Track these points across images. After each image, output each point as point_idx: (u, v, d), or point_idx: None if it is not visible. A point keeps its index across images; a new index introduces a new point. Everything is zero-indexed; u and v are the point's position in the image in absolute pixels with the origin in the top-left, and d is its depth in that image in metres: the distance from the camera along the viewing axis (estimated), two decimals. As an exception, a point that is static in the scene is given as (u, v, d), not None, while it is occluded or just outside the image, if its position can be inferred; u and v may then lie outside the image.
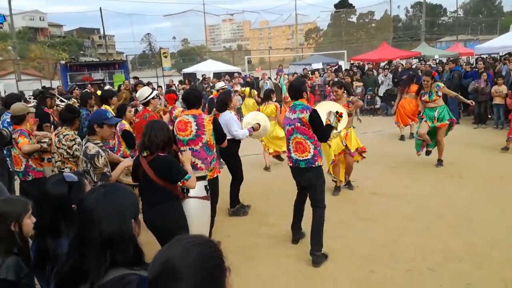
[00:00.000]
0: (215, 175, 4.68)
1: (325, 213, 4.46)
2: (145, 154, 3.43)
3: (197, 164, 4.46)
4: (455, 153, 8.15)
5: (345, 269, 4.25)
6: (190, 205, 3.74)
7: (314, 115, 4.30)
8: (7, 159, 5.88)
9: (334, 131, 4.83)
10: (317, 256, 4.36)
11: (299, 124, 4.34)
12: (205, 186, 3.93)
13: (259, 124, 6.04)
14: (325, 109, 4.83)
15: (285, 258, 4.54)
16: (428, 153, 7.70)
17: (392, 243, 4.74)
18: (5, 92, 15.17)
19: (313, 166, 4.39)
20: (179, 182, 3.43)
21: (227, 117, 5.60)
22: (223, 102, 5.83)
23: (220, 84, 10.32)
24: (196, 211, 3.78)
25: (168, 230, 3.14)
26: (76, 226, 1.61)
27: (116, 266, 1.51)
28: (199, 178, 3.79)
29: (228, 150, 5.52)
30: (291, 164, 4.58)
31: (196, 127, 4.46)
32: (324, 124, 4.42)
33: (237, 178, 5.91)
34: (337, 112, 4.57)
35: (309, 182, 4.49)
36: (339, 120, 4.68)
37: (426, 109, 7.51)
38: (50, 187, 2.18)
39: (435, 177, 7.08)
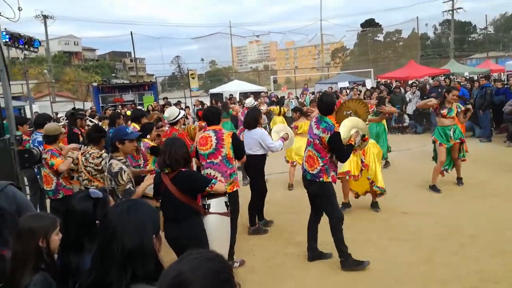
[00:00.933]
0: (234, 189, 4.74)
1: (341, 222, 4.52)
2: (167, 171, 3.48)
3: (217, 177, 4.52)
4: (487, 171, 7.88)
5: (374, 290, 4.11)
6: (211, 221, 3.76)
7: (335, 138, 4.36)
8: (38, 176, 6.05)
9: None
10: (343, 261, 4.50)
11: (317, 141, 4.47)
12: (226, 202, 3.93)
13: (287, 134, 6.20)
14: (354, 124, 4.82)
15: (311, 279, 4.45)
16: (444, 172, 7.41)
17: (424, 264, 4.57)
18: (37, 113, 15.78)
19: (317, 180, 4.50)
20: (207, 188, 3.48)
21: (260, 133, 5.80)
22: (255, 119, 5.93)
23: (249, 101, 10.44)
24: (216, 227, 3.79)
25: (189, 247, 3.13)
26: (99, 241, 1.63)
27: (137, 281, 1.52)
28: (219, 194, 3.81)
29: (257, 166, 5.80)
30: (303, 173, 4.73)
31: (216, 141, 4.63)
32: (348, 141, 4.50)
33: (260, 192, 5.94)
34: (363, 136, 4.72)
35: (314, 195, 4.65)
36: (361, 143, 4.82)
37: (439, 128, 7.17)
38: (76, 203, 2.22)
39: (466, 196, 6.84)
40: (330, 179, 4.51)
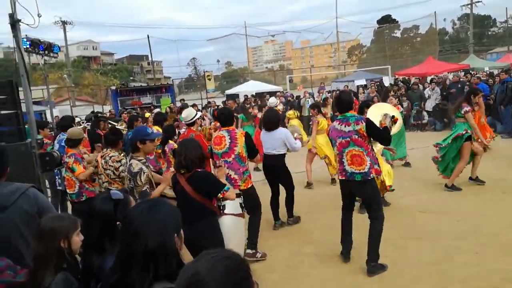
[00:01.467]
0: (249, 185, 4.90)
1: (383, 222, 4.45)
2: (182, 171, 3.53)
3: (230, 175, 4.74)
4: (508, 168, 7.70)
5: (392, 289, 4.08)
6: (226, 222, 3.79)
7: (370, 124, 4.35)
8: (56, 177, 6.17)
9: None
10: (372, 266, 4.38)
11: (356, 137, 4.34)
12: (240, 204, 3.96)
13: (301, 135, 6.36)
14: (380, 110, 4.91)
15: (330, 278, 4.44)
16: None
17: (443, 263, 4.51)
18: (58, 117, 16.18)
19: (369, 178, 4.39)
20: (219, 194, 3.49)
21: (285, 132, 5.96)
22: (278, 119, 6.16)
23: (273, 100, 10.51)
24: (231, 228, 3.82)
25: (204, 246, 3.16)
26: (122, 240, 1.66)
27: (159, 280, 1.54)
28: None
29: (284, 165, 5.98)
30: (343, 178, 4.54)
31: (229, 141, 4.78)
32: (381, 127, 4.51)
33: (291, 188, 6.08)
34: (393, 117, 4.75)
35: (366, 195, 4.53)
36: (393, 124, 4.82)
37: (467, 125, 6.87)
38: (97, 204, 2.26)
39: (485, 194, 6.70)
40: (376, 173, 4.46)
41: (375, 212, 4.46)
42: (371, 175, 4.38)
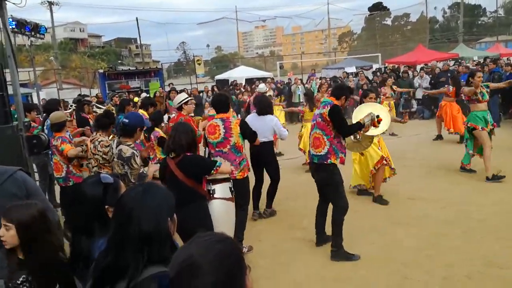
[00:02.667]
0: (245, 175, 4.78)
1: (344, 213, 4.45)
2: (172, 156, 3.52)
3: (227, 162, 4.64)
4: (496, 156, 7.79)
5: (380, 275, 4.14)
6: (215, 206, 3.79)
7: (335, 109, 4.32)
8: (51, 162, 6.11)
9: (371, 133, 4.91)
10: (333, 251, 4.46)
11: (319, 119, 4.42)
12: (230, 188, 3.96)
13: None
14: (370, 109, 4.82)
15: (318, 263, 4.49)
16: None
17: (429, 248, 4.59)
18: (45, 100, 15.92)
19: (325, 163, 4.40)
20: (212, 171, 3.52)
21: (275, 120, 5.93)
22: (270, 105, 6.13)
23: (262, 86, 10.45)
24: (221, 212, 3.83)
25: (194, 230, 3.17)
26: (115, 224, 1.64)
27: (153, 264, 1.53)
28: (223, 180, 3.84)
29: (272, 152, 5.97)
30: (309, 160, 4.68)
31: (224, 130, 4.61)
32: (356, 121, 4.48)
33: (277, 178, 6.00)
34: (377, 116, 4.61)
35: (321, 180, 4.53)
36: (374, 125, 4.65)
37: (477, 113, 6.87)
38: (86, 187, 2.22)
39: (476, 181, 6.81)
40: (338, 161, 4.42)
41: (333, 200, 4.49)
42: (329, 161, 4.38)
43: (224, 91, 14.43)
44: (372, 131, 4.96)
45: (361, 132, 4.83)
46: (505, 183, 6.60)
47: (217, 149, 4.65)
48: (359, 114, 4.84)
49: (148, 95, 14.00)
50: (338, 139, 4.42)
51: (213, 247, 1.17)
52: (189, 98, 6.17)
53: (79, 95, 13.04)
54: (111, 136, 4.98)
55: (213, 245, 1.18)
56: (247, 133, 4.74)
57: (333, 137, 4.37)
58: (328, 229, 4.82)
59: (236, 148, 4.64)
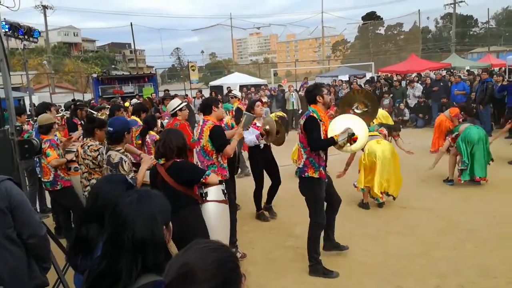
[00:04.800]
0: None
1: (320, 229, 4.35)
2: (161, 162, 3.52)
3: (198, 164, 4.69)
4: (490, 166, 7.85)
5: (372, 283, 4.13)
6: (209, 209, 3.75)
7: (308, 120, 4.16)
8: (37, 166, 6.05)
9: (344, 150, 4.48)
10: (310, 266, 4.35)
11: (299, 131, 4.38)
12: (223, 190, 3.93)
13: (266, 130, 5.77)
14: (349, 123, 4.39)
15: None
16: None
17: (422, 257, 4.59)
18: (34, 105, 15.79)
19: (302, 176, 4.30)
20: (201, 179, 3.50)
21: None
22: (249, 108, 6.05)
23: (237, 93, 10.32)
24: (215, 215, 3.78)
25: (187, 236, 3.14)
26: (110, 230, 1.63)
27: (147, 272, 1.52)
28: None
29: (252, 158, 6.06)
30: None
31: (199, 131, 4.71)
32: (332, 135, 4.20)
33: (256, 182, 6.13)
34: (353, 134, 4.22)
35: (301, 192, 4.42)
36: (350, 142, 4.28)
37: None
38: (109, 183, 2.18)
39: (466, 191, 6.84)
40: (317, 175, 4.21)
41: (310, 213, 4.33)
42: (305, 174, 4.25)
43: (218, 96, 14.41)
44: (345, 148, 4.42)
45: (337, 146, 4.38)
46: (496, 192, 6.64)
47: (195, 146, 4.80)
48: (335, 126, 4.38)
49: (139, 101, 13.94)
50: (316, 153, 4.23)
51: (209, 255, 1.16)
52: (184, 104, 6.17)
53: (73, 100, 12.91)
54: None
55: (209, 252, 1.17)
56: (215, 141, 4.59)
57: (310, 149, 4.20)
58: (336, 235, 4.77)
59: (204, 151, 4.64)
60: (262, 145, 5.95)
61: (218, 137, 4.62)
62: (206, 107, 4.83)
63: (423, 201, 6.46)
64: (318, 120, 4.18)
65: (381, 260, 4.57)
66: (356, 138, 4.26)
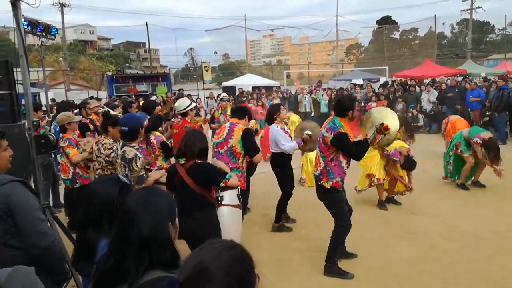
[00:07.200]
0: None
1: (345, 232, 4.37)
2: (182, 161, 3.49)
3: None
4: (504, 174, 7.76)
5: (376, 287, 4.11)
6: (223, 213, 3.79)
7: (339, 138, 4.10)
8: (55, 163, 6.15)
9: (386, 139, 4.50)
10: (327, 266, 4.37)
11: (321, 141, 4.30)
12: (238, 195, 3.95)
13: (308, 136, 5.59)
14: (375, 117, 4.53)
15: (316, 274, 4.47)
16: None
17: (424, 263, 4.58)
18: (54, 100, 15.96)
19: (318, 183, 4.33)
20: (221, 183, 3.49)
21: (275, 131, 5.50)
22: (269, 113, 5.70)
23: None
24: (229, 219, 3.82)
25: (203, 238, 3.15)
26: (117, 227, 1.65)
27: (154, 268, 1.54)
28: (231, 187, 3.83)
29: (278, 164, 5.58)
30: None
31: (227, 132, 4.77)
32: (363, 138, 4.26)
33: (285, 191, 5.67)
34: (382, 124, 4.21)
35: (320, 198, 4.44)
36: (383, 134, 4.26)
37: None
38: (104, 183, 2.21)
39: (475, 198, 6.82)
40: (329, 185, 4.23)
41: (334, 217, 4.37)
42: (321, 182, 4.28)
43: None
44: (383, 140, 4.50)
45: (375, 142, 4.40)
46: (504, 200, 6.56)
47: (215, 149, 4.79)
48: (367, 125, 4.57)
49: (150, 99, 14.01)
50: (336, 162, 4.22)
51: (224, 254, 1.17)
52: (195, 104, 6.22)
53: (91, 97, 12.86)
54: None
55: (225, 251, 1.18)
56: (248, 144, 4.64)
57: (329, 159, 4.22)
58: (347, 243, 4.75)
59: (232, 152, 4.68)
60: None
61: (250, 141, 4.69)
62: (239, 111, 5.07)
63: (431, 207, 6.44)
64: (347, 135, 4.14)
65: (384, 265, 4.58)
66: (387, 126, 4.26)
